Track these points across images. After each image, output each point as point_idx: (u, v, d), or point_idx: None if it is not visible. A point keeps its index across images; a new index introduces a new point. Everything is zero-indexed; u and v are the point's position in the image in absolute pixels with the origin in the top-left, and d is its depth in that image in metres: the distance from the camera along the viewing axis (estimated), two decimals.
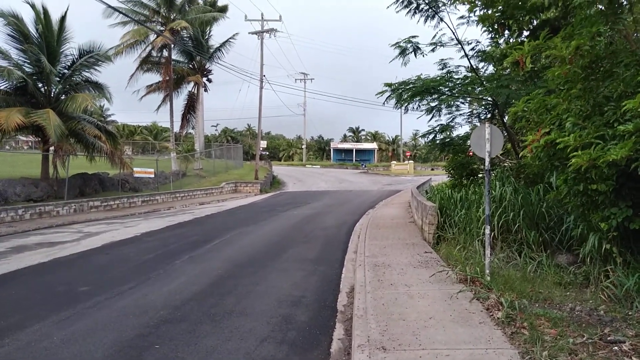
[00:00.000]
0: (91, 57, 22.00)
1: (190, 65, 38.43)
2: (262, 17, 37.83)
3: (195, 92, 38.73)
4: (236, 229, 15.07)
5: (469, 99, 15.55)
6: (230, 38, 37.41)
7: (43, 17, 20.64)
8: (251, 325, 5.90)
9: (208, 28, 37.27)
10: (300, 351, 5.17)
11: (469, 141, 9.64)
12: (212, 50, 37.82)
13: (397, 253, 9.84)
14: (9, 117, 17.57)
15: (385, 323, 5.47)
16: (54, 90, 21.24)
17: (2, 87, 20.13)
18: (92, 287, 7.77)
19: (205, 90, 39.32)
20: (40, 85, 20.83)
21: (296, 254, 10.82)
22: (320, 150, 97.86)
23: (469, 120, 17.65)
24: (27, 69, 20.39)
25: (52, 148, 20.29)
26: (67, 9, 21.30)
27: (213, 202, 26.71)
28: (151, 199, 25.06)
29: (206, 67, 38.88)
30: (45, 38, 20.74)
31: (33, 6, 20.41)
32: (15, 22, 19.90)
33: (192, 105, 39.08)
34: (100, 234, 14.32)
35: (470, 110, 17.23)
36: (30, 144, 55.13)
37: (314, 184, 39.81)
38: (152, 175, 26.16)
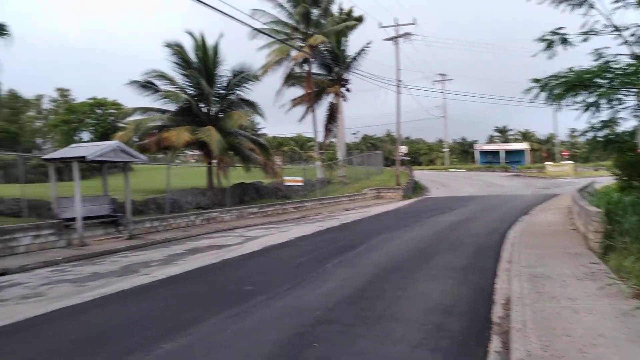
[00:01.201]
0: (242, 77, 24.14)
1: (329, 77, 39.89)
2: (396, 23, 37.83)
3: (335, 102, 40.08)
4: (381, 234, 15.26)
5: (634, 90, 13.73)
6: (364, 47, 38.08)
7: (201, 44, 23.26)
8: (403, 331, 5.97)
9: (343, 39, 38.40)
10: None
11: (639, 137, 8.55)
12: (348, 60, 38.84)
13: (557, 263, 9.10)
14: (179, 135, 20.12)
15: (547, 338, 5.12)
16: (213, 109, 23.75)
17: (171, 109, 23.15)
18: (255, 286, 8.53)
19: (344, 99, 40.45)
20: (201, 105, 23.47)
21: (444, 261, 10.61)
22: (463, 152, 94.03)
23: (636, 114, 15.58)
24: (190, 92, 23.15)
25: (214, 161, 22.69)
26: (220, 36, 23.71)
27: (357, 208, 27.32)
28: (301, 206, 26.53)
29: (343, 77, 40.01)
30: (203, 63, 23.34)
31: (192, 35, 23.14)
32: (179, 51, 22.74)
33: (332, 115, 40.49)
34: (259, 237, 15.62)
35: (637, 102, 15.20)
36: (196, 158, 62.16)
37: (458, 189, 38.41)
38: (301, 184, 27.72)
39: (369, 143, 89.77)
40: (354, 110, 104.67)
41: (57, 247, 13.45)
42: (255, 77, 25.33)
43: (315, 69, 38.31)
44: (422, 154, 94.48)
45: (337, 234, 16.27)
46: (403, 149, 47.12)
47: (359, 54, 38.39)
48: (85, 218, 14.11)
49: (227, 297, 7.98)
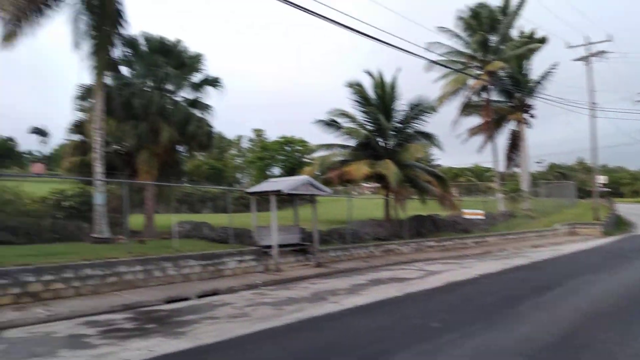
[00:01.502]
0: (419, 110, 24.26)
1: (510, 103, 37.76)
2: (587, 42, 34.28)
3: (517, 129, 37.65)
4: (581, 276, 13.65)
5: None
6: (550, 69, 35.35)
7: (379, 81, 24.13)
8: None
9: (525, 62, 36.13)
10: None
11: None
12: (531, 85, 36.33)
13: None
14: (359, 169, 20.98)
15: None
16: (390, 142, 24.26)
17: (351, 144, 24.31)
18: (442, 324, 8.31)
19: (527, 126, 37.76)
20: (379, 139, 24.17)
21: None
22: None
23: None
24: (369, 127, 24.05)
25: (391, 193, 23.03)
26: (398, 71, 24.31)
27: (547, 244, 24.94)
28: (482, 240, 25.25)
29: (526, 102, 37.45)
30: (381, 99, 24.14)
31: (371, 74, 24.18)
32: (358, 90, 23.96)
33: (514, 143, 38.10)
34: (440, 272, 15.27)
35: None
36: (371, 189, 63.90)
37: None
38: (481, 217, 26.44)
39: (557, 172, 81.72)
40: (538, 137, 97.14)
41: (257, 272, 14.96)
42: (432, 109, 25.25)
43: (494, 96, 36.78)
44: (624, 184, 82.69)
45: (527, 273, 15.04)
46: (601, 178, 41.73)
47: (543, 77, 35.80)
48: (280, 246, 15.50)
49: (414, 331, 7.92)
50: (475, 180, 74.54)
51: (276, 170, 58.28)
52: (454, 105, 35.94)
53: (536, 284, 12.43)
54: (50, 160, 78.91)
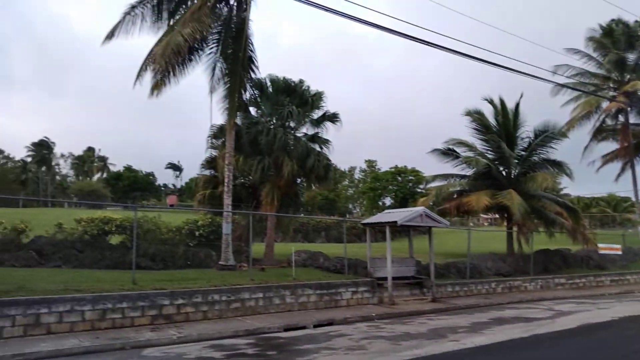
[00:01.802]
0: (546, 136, 22.72)
1: None
2: None
3: None
4: None
5: None
6: None
7: (500, 108, 23.10)
8: None
9: None
10: None
11: None
12: None
13: None
14: (479, 200, 20.06)
15: None
16: (513, 171, 22.94)
17: (470, 174, 23.41)
18: None
19: None
20: (501, 168, 22.99)
21: None
22: None
23: None
24: (489, 156, 23.02)
25: (513, 225, 21.61)
26: (521, 97, 23.12)
27: None
28: (620, 279, 22.64)
29: None
30: (503, 126, 23.05)
31: (491, 102, 23.27)
32: (478, 118, 23.11)
33: None
34: (572, 313, 13.92)
35: None
36: (488, 221, 60.64)
37: None
38: (619, 252, 23.70)
39: None
40: None
41: (371, 304, 14.86)
42: (563, 135, 23.55)
43: (633, 118, 33.20)
44: None
45: None
46: None
47: None
48: (394, 278, 15.29)
49: None
50: (609, 211, 67.34)
51: (388, 201, 57.94)
52: (584, 131, 33.08)
53: None
54: (182, 193, 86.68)
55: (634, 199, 34.03)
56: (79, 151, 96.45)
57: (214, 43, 17.20)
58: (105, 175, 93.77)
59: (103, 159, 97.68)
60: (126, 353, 8.60)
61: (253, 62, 17.45)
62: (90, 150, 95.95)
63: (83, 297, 9.94)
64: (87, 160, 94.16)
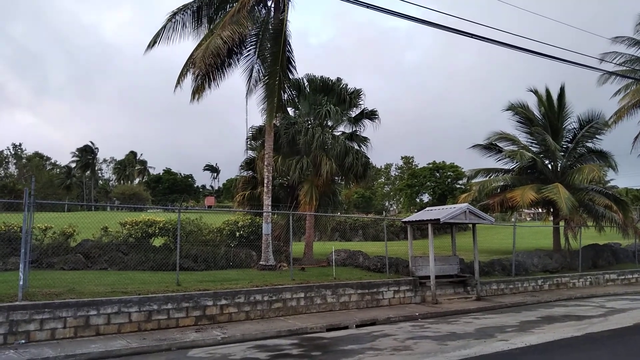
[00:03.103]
0: (591, 126, 21.84)
1: None
2: None
3: None
4: None
5: None
6: None
7: (545, 100, 22.31)
8: None
9: None
10: None
11: None
12: None
13: None
14: (524, 194, 19.42)
15: None
16: (559, 164, 22.13)
17: (514, 168, 22.73)
18: None
19: None
20: (546, 162, 22.22)
21: None
22: None
23: None
24: (533, 149, 22.28)
25: (560, 220, 20.83)
26: (563, 87, 22.22)
27: None
28: None
29: None
30: (547, 118, 22.26)
31: (536, 92, 22.49)
32: (522, 111, 22.39)
33: None
34: (626, 310, 13.31)
35: None
36: (531, 215, 58.85)
37: None
38: None
39: None
40: None
41: (413, 303, 14.59)
42: (606, 124, 22.56)
43: None
44: None
45: None
46: None
47: None
48: (437, 277, 14.95)
49: None
50: None
51: (425, 197, 57.08)
52: (634, 121, 31.53)
53: None
54: (220, 194, 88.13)
55: None
56: (120, 156, 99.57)
57: (251, 45, 17.30)
58: (145, 178, 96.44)
59: (143, 163, 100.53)
60: (173, 354, 8.70)
61: (291, 63, 17.45)
62: (132, 154, 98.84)
63: (130, 299, 10.13)
64: (129, 165, 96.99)
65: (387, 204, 76.21)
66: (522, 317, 12.59)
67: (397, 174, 76.79)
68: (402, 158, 75.91)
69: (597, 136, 22.12)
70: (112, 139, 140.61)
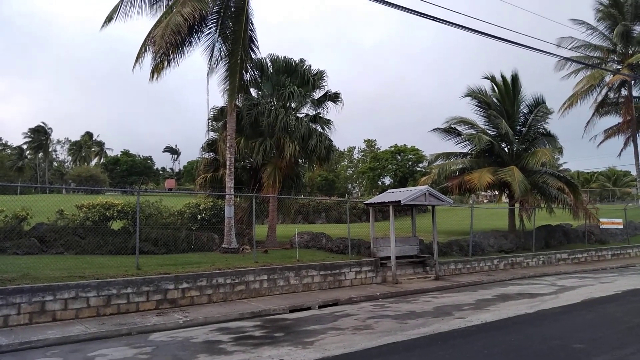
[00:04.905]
0: (539, 111, 22.62)
1: None
2: None
3: None
4: None
5: None
6: None
7: (502, 85, 22.88)
8: None
9: None
10: None
11: None
12: None
13: None
14: (481, 177, 19.99)
15: None
16: (515, 148, 22.83)
17: (472, 151, 23.29)
18: (586, 345, 7.53)
19: None
20: (503, 145, 22.88)
21: None
22: None
23: None
24: (491, 133, 22.88)
25: (516, 202, 21.59)
26: (516, 74, 22.76)
27: None
28: (622, 253, 22.76)
29: None
30: (503, 103, 22.89)
31: (492, 78, 23.04)
32: (480, 96, 22.92)
33: None
34: (575, 288, 13.99)
35: None
36: (488, 197, 60.71)
37: None
38: (621, 227, 23.75)
39: None
40: None
41: (374, 283, 14.88)
42: (547, 110, 23.20)
43: (636, 92, 32.94)
44: None
45: None
46: None
47: None
48: (398, 257, 15.28)
49: (553, 353, 7.25)
50: (609, 185, 67.48)
51: (387, 180, 57.87)
52: (587, 105, 32.80)
53: None
54: (181, 176, 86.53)
55: (634, 173, 33.96)
56: (76, 137, 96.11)
57: (213, 23, 16.86)
58: (102, 160, 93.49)
59: (100, 144, 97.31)
60: (133, 338, 8.58)
61: (253, 42, 17.14)
62: (88, 135, 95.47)
63: (88, 284, 9.89)
64: (85, 146, 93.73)
65: (350, 186, 76.80)
66: (478, 295, 13.05)
67: (360, 157, 77.35)
68: (365, 141, 76.48)
69: (545, 120, 22.93)
70: (67, 120, 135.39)
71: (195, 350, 7.74)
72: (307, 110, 20.70)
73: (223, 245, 15.42)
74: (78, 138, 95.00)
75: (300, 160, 20.72)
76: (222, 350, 7.70)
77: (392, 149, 57.79)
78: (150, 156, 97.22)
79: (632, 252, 23.33)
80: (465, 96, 23.00)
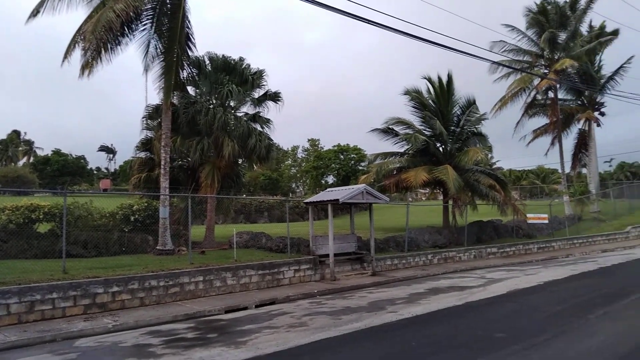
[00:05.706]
0: (470, 112, 23.67)
1: (579, 102, 36.00)
2: None
3: (586, 128, 35.79)
4: None
5: None
6: (624, 63, 33.26)
7: (438, 86, 23.71)
8: None
9: (596, 58, 34.32)
10: None
11: None
12: (602, 81, 34.43)
13: None
14: (417, 175, 20.62)
15: None
16: (449, 147, 23.73)
17: (409, 151, 23.98)
18: (507, 334, 7.99)
19: (598, 125, 35.78)
20: (438, 144, 23.71)
21: None
22: None
23: None
24: (427, 133, 23.65)
25: (450, 199, 22.45)
26: (450, 75, 23.65)
27: (618, 249, 23.56)
28: (547, 246, 24.18)
29: (597, 100, 35.52)
30: (438, 103, 23.74)
31: (429, 80, 23.82)
32: (416, 96, 23.64)
33: (583, 143, 36.24)
34: (502, 280, 14.72)
35: None
36: (426, 195, 62.72)
37: None
38: (546, 221, 25.26)
39: (628, 172, 76.97)
40: (609, 136, 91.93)
41: (313, 281, 15.03)
42: (477, 109, 24.30)
43: (561, 94, 35.19)
44: None
45: (596, 279, 14.23)
46: None
47: (616, 72, 33.82)
48: (336, 255, 15.51)
49: (477, 342, 7.64)
50: (538, 182, 71.50)
51: (330, 179, 58.41)
52: (518, 107, 34.66)
53: (607, 291, 11.75)
54: (117, 177, 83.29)
55: (560, 170, 36.16)
56: (2, 135, 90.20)
57: (148, 19, 16.31)
58: (32, 160, 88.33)
59: (29, 143, 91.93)
60: (57, 345, 8.22)
61: (190, 40, 16.78)
62: (15, 133, 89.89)
63: (8, 290, 9.36)
64: (11, 145, 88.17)
65: (294, 185, 76.83)
66: (411, 289, 13.49)
67: (303, 156, 77.53)
68: (308, 140, 76.75)
69: (480, 123, 24.04)
70: None
71: (124, 355, 7.53)
72: (246, 109, 20.60)
73: (158, 247, 15.02)
74: (4, 136, 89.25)
75: (240, 160, 20.54)
76: (152, 353, 7.54)
77: (336, 148, 58.35)
78: (84, 155, 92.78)
79: (556, 245, 24.84)
80: (404, 94, 23.62)
